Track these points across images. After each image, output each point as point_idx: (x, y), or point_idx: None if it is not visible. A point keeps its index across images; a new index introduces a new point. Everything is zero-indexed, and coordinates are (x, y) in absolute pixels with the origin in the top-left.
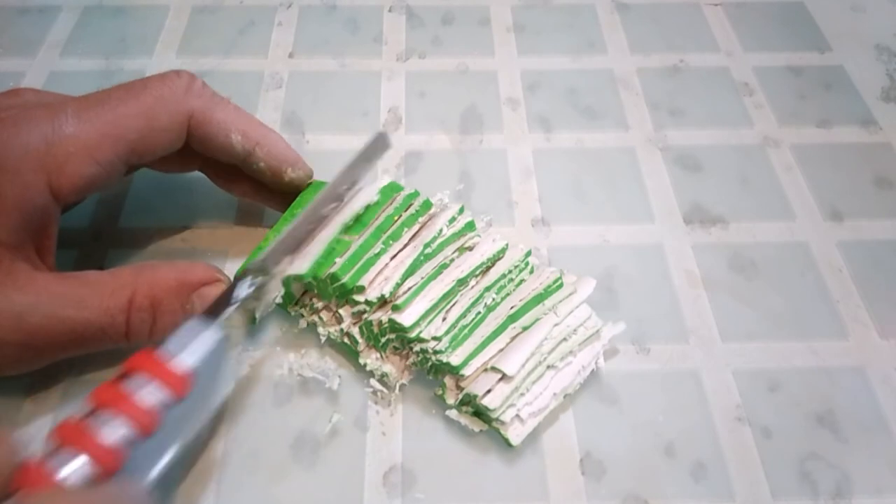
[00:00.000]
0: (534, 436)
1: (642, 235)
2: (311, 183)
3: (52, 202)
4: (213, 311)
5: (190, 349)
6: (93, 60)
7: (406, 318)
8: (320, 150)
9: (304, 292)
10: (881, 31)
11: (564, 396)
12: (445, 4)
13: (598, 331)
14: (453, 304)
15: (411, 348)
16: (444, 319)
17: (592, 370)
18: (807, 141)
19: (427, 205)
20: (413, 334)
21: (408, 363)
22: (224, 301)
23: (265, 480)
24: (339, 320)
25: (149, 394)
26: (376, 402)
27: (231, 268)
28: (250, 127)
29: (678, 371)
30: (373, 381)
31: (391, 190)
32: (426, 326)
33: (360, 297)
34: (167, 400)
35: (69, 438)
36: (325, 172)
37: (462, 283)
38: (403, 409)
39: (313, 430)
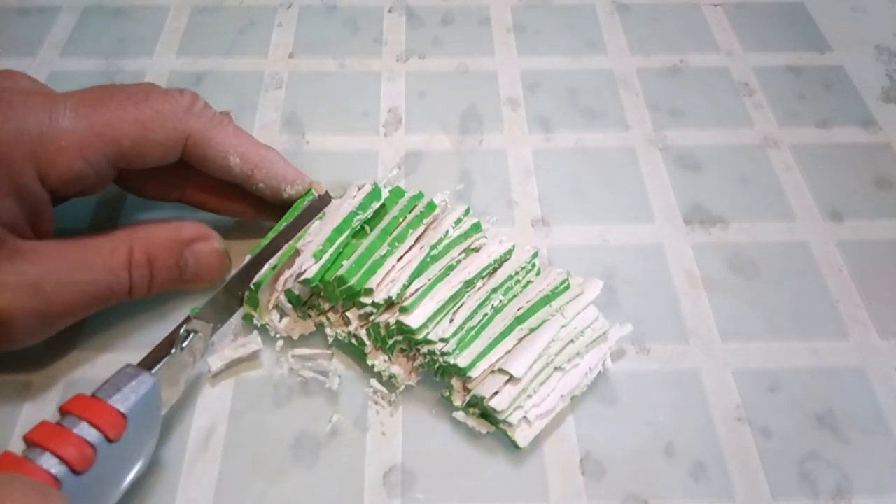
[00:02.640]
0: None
1: (642, 235)
2: (308, 192)
3: (42, 190)
4: (150, 361)
5: (123, 394)
6: (93, 61)
7: (414, 320)
8: (320, 151)
9: (311, 294)
10: (881, 31)
11: (571, 398)
12: (445, 4)
13: (605, 332)
14: (460, 306)
15: (418, 350)
16: (451, 321)
17: (599, 372)
18: (807, 141)
19: (431, 206)
20: (420, 336)
21: (415, 365)
22: (161, 351)
23: (265, 480)
24: (347, 322)
25: (82, 432)
26: (376, 402)
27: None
28: (249, 149)
29: (678, 371)
30: (373, 382)
31: (395, 196)
32: (433, 328)
33: (367, 300)
34: (100, 440)
35: (3, 470)
36: (325, 173)
37: (469, 284)
38: (404, 410)
39: (313, 430)
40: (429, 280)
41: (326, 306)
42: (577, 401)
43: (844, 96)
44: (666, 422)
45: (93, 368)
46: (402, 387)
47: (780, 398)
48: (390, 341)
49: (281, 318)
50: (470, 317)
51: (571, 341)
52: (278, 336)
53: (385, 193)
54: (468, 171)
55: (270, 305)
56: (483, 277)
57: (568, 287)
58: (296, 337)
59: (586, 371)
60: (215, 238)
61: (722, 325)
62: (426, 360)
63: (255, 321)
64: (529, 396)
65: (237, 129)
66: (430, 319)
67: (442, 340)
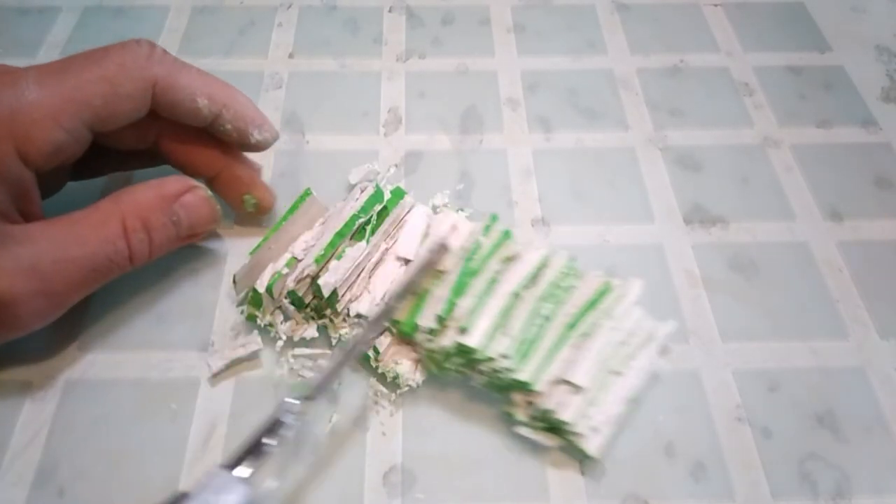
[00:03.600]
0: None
1: (642, 235)
2: (305, 191)
3: (25, 169)
4: (235, 461)
5: None
6: None
7: (474, 340)
8: (320, 150)
9: (314, 296)
10: (881, 31)
11: (632, 400)
12: (445, 4)
13: (651, 331)
14: (513, 319)
15: (479, 369)
16: (506, 335)
17: (651, 371)
18: (807, 141)
19: (507, 235)
20: (481, 355)
21: (473, 384)
22: (249, 449)
23: (265, 480)
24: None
25: None
26: (376, 402)
27: (231, 268)
28: (216, 89)
29: (678, 371)
30: (373, 381)
31: (396, 197)
32: (492, 345)
33: (423, 331)
34: None
35: None
36: (324, 172)
37: (516, 296)
38: (404, 410)
39: (313, 431)
40: (476, 296)
41: (328, 312)
42: None
43: (844, 96)
44: (666, 422)
45: (93, 368)
46: (407, 388)
47: (780, 398)
48: (447, 363)
49: (284, 319)
50: (524, 329)
51: (623, 343)
52: (281, 337)
53: (387, 195)
54: (468, 171)
55: (273, 307)
56: (526, 287)
57: (611, 289)
58: (296, 339)
59: (639, 372)
60: (201, 187)
61: (722, 325)
62: (487, 379)
63: (258, 321)
64: (594, 404)
65: (201, 71)
66: (488, 337)
67: (503, 356)
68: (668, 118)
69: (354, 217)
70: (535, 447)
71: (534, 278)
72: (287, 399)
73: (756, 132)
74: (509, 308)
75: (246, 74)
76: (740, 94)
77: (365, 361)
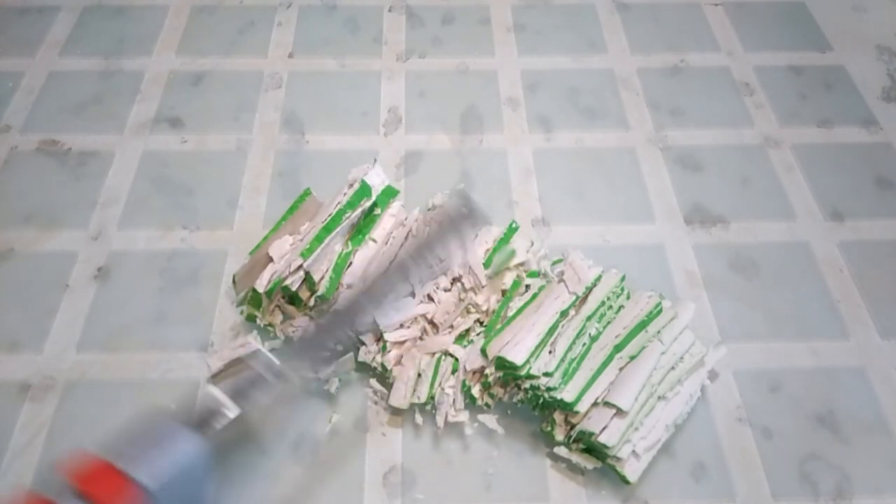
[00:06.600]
0: (535, 436)
1: (643, 235)
2: (305, 191)
3: None
4: (199, 422)
5: (155, 468)
6: (92, 60)
7: (517, 356)
8: (320, 150)
9: (311, 294)
10: (882, 31)
11: (675, 427)
12: (445, 4)
13: (703, 357)
14: (558, 337)
15: (518, 386)
16: (550, 353)
17: (698, 397)
18: (808, 141)
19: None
20: (523, 372)
21: (514, 400)
22: (211, 414)
23: (265, 480)
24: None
25: None
26: (376, 403)
27: (231, 268)
28: None
29: None
30: (373, 382)
31: (387, 195)
32: (535, 362)
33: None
34: None
35: None
36: (324, 172)
37: (564, 314)
38: (403, 410)
39: (313, 431)
40: (515, 310)
41: (325, 307)
42: None
43: (845, 96)
44: None
45: (93, 368)
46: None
47: (781, 398)
48: (491, 378)
49: (284, 319)
50: (569, 348)
51: (672, 368)
52: (280, 337)
53: (376, 190)
54: (468, 171)
55: (272, 306)
56: (574, 305)
57: (661, 311)
58: (296, 338)
59: (687, 398)
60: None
61: (722, 325)
62: (528, 396)
63: (258, 321)
64: (636, 429)
65: None
66: (531, 353)
67: (546, 375)
68: (668, 118)
69: (341, 212)
70: (534, 448)
71: (583, 297)
72: (264, 352)
73: (756, 132)
74: (556, 326)
75: (246, 74)
76: (741, 93)
77: (363, 362)
